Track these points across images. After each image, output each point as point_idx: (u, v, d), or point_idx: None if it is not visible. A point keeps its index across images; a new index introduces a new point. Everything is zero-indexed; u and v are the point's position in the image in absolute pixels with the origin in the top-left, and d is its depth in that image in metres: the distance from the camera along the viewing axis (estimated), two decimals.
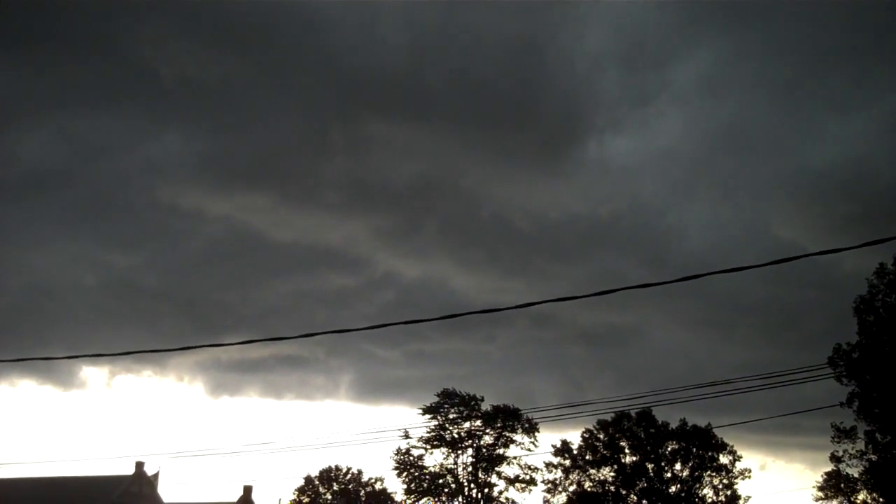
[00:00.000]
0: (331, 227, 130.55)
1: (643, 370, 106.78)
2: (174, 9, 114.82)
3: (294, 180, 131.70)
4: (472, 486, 73.64)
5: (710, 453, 72.88)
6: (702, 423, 73.49)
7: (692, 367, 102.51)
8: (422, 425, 74.23)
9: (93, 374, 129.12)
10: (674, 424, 73.83)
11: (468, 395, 74.68)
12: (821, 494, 59.48)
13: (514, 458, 73.92)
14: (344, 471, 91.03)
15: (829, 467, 58.18)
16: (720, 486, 72.71)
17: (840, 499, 58.52)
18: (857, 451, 54.32)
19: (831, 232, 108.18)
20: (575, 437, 76.55)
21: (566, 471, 75.48)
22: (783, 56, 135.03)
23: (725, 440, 73.38)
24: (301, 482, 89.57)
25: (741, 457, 73.49)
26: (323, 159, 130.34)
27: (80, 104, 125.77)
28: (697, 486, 73.09)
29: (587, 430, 75.57)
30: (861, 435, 52.89)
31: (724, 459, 73.29)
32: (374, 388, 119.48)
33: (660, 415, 73.38)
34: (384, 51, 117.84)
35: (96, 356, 21.18)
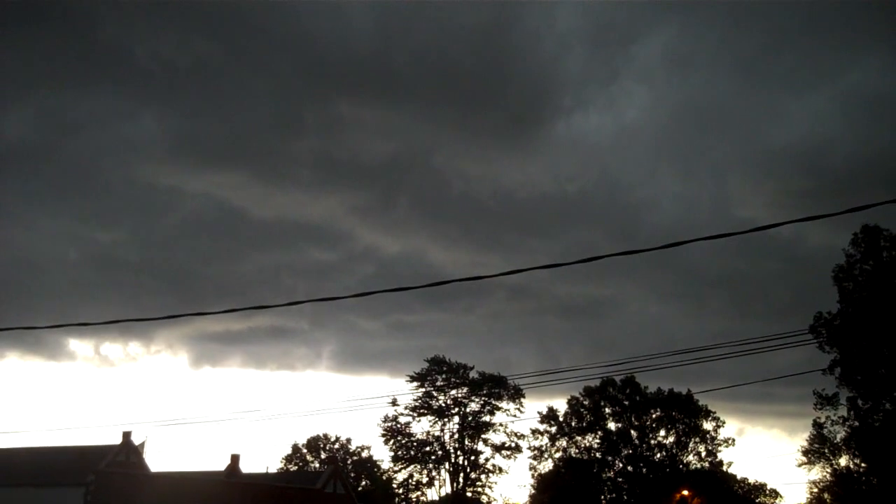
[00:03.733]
0: (307, 203, 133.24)
1: (618, 340, 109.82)
2: None
3: (268, 159, 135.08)
4: (459, 453, 74.18)
5: (693, 420, 73.68)
6: (680, 391, 74.51)
7: (666, 337, 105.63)
8: (409, 393, 74.69)
9: (79, 346, 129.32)
10: (653, 391, 74.68)
11: (456, 362, 75.10)
12: (804, 459, 60.15)
13: (501, 424, 74.51)
14: (332, 439, 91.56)
15: (806, 434, 58.88)
16: (704, 453, 73.61)
17: (823, 463, 59.20)
18: (839, 418, 54.98)
19: (787, 207, 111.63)
20: (554, 406, 77.45)
21: (552, 437, 76.14)
22: (743, 34, 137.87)
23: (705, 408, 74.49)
24: (288, 451, 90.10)
25: (724, 422, 74.48)
26: (295, 138, 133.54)
27: (57, 83, 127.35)
28: (682, 452, 73.92)
29: (573, 397, 76.24)
30: (843, 401, 53.49)
31: (707, 425, 74.17)
32: (357, 358, 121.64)
33: (640, 382, 74.40)
34: (352, 33, 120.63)
35: (82, 325, 21.17)
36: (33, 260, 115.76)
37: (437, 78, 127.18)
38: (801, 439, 60.77)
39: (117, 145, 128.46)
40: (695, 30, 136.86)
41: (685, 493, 70.70)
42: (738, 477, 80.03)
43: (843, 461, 57.68)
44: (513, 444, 74.71)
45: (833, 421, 55.76)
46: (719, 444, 74.04)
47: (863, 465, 54.92)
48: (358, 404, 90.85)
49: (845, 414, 53.80)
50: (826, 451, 58.18)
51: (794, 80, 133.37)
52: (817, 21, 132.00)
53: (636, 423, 74.51)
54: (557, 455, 75.78)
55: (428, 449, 74.32)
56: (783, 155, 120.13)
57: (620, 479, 74.68)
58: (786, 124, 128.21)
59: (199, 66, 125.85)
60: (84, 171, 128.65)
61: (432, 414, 74.61)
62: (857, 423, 52.52)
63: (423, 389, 74.62)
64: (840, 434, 56.04)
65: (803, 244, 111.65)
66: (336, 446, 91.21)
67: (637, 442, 74.09)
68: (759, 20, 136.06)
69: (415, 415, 74.90)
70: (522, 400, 74.81)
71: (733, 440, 74.55)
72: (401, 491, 75.36)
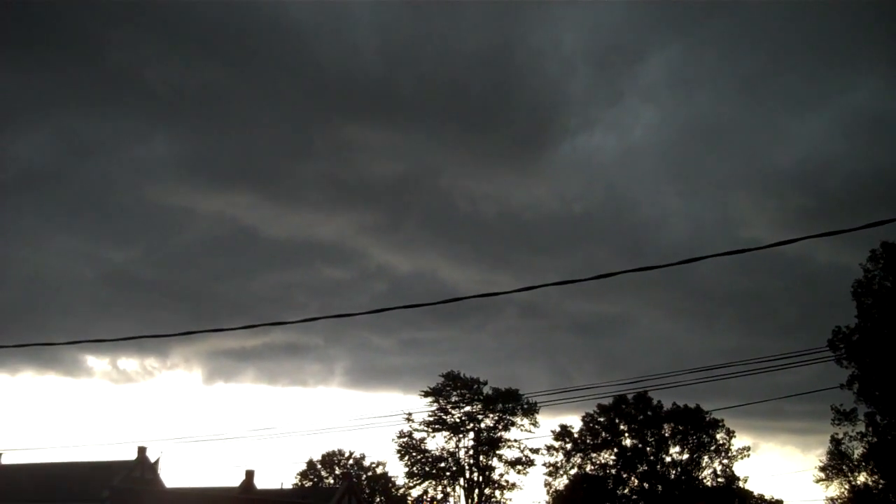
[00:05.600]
0: (318, 223, 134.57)
1: (629, 358, 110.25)
2: (158, 16, 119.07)
3: (278, 180, 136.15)
4: (473, 469, 73.94)
5: (705, 432, 73.44)
6: (691, 406, 74.43)
7: (677, 354, 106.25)
8: (424, 409, 74.56)
9: (95, 362, 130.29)
10: (667, 408, 74.58)
11: (471, 377, 74.99)
12: (822, 475, 59.71)
13: (515, 440, 74.27)
14: (346, 455, 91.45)
15: (819, 450, 58.64)
16: (718, 468, 73.26)
17: (841, 479, 58.77)
18: (857, 433, 54.63)
19: (789, 226, 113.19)
20: (565, 423, 77.46)
21: (567, 454, 75.86)
22: (745, 54, 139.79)
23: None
24: (303, 467, 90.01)
25: (734, 432, 74.18)
26: (305, 160, 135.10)
27: (72, 107, 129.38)
28: (696, 469, 73.53)
29: (587, 414, 76.00)
30: (861, 417, 53.11)
31: (719, 437, 73.89)
32: (370, 374, 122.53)
33: (653, 398, 74.42)
34: (358, 57, 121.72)
35: (97, 341, 21.29)
36: (50, 278, 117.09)
37: (442, 100, 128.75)
38: (815, 456, 60.60)
39: (130, 167, 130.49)
40: (698, 50, 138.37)
41: None
42: (755, 493, 79.51)
43: (861, 478, 57.29)
44: (526, 459, 74.41)
45: (851, 437, 55.44)
46: (734, 456, 73.73)
47: (881, 481, 54.48)
48: (371, 420, 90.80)
49: (863, 430, 53.46)
50: (844, 467, 57.78)
51: (795, 101, 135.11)
52: (818, 42, 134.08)
53: (650, 440, 74.20)
54: (573, 472, 75.53)
55: (443, 465, 74.08)
56: (785, 174, 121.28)
57: (635, 497, 74.30)
58: (788, 144, 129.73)
59: (210, 90, 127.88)
60: (98, 193, 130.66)
61: (447, 429, 74.41)
62: (875, 439, 52.16)
63: (437, 405, 74.52)
64: (858, 450, 55.72)
65: (810, 262, 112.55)
66: (350, 462, 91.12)
67: (652, 458, 73.77)
68: (761, 40, 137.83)
69: (429, 430, 74.73)
70: (536, 416, 74.61)
71: (748, 449, 74.29)
72: None
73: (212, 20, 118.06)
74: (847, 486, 58.35)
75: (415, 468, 74.42)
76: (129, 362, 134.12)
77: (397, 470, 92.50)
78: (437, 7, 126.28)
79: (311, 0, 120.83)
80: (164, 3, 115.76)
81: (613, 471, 74.51)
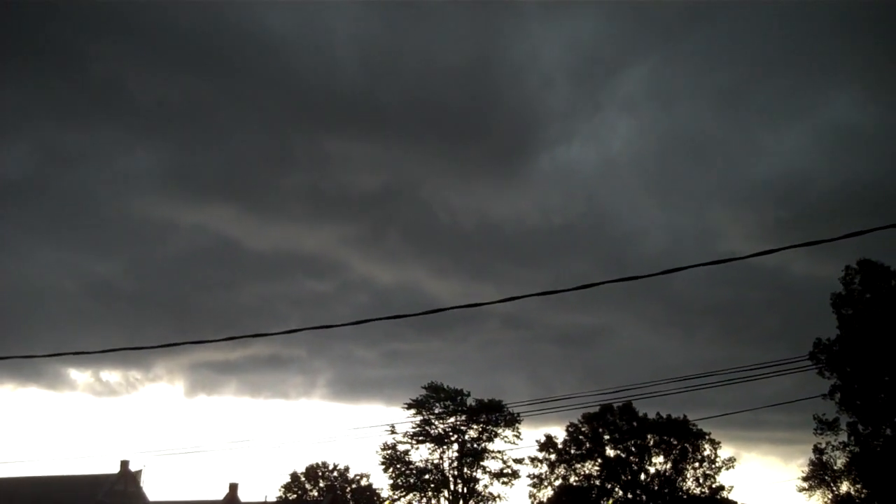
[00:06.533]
0: (300, 235, 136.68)
1: (611, 368, 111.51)
2: (140, 29, 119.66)
3: (260, 192, 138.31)
4: (458, 480, 73.86)
5: (690, 442, 73.49)
6: (676, 416, 74.59)
7: (658, 364, 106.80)
8: (407, 420, 74.50)
9: (78, 375, 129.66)
10: (651, 418, 74.66)
11: (454, 389, 74.98)
12: (805, 485, 59.90)
13: (499, 452, 74.25)
14: (330, 467, 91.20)
15: (800, 460, 59.03)
16: (701, 477, 73.27)
17: (823, 489, 58.95)
18: (839, 443, 54.90)
19: (765, 239, 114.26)
20: (550, 433, 77.42)
21: (551, 465, 75.82)
22: (722, 66, 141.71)
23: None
24: (287, 479, 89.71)
25: (720, 443, 74.28)
26: (286, 173, 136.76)
27: (53, 118, 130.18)
28: (680, 478, 73.56)
29: (571, 424, 76.01)
30: (843, 427, 53.41)
31: (706, 450, 73.96)
32: (352, 386, 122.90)
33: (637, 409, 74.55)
34: (339, 70, 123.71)
35: (80, 353, 21.20)
36: (31, 290, 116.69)
37: (422, 113, 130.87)
38: (797, 466, 60.81)
39: (112, 179, 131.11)
40: (676, 62, 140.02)
41: None
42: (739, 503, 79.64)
43: (843, 487, 57.48)
44: (510, 471, 74.37)
45: (833, 446, 55.71)
46: (719, 467, 73.81)
47: (864, 490, 54.70)
48: (355, 432, 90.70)
49: (846, 439, 53.75)
50: (827, 477, 57.99)
51: (772, 113, 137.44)
52: (794, 55, 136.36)
53: (634, 450, 74.27)
54: (557, 483, 75.47)
55: (427, 476, 73.98)
56: (762, 187, 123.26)
57: None
58: (764, 156, 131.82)
59: (191, 102, 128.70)
60: (80, 204, 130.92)
61: (431, 441, 74.36)
62: (857, 449, 52.41)
63: (421, 417, 74.46)
64: (841, 460, 55.97)
65: (787, 274, 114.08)
66: (335, 475, 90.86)
67: (636, 468, 73.81)
68: (738, 54, 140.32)
69: (413, 442, 74.67)
70: (518, 426, 74.65)
71: (733, 460, 74.38)
72: None
73: (194, 33, 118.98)
74: (830, 496, 58.54)
75: (399, 480, 74.28)
76: (111, 375, 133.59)
77: (382, 482, 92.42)
78: (416, 20, 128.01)
79: (292, 14, 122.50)
80: (146, 15, 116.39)
81: (597, 482, 74.48)
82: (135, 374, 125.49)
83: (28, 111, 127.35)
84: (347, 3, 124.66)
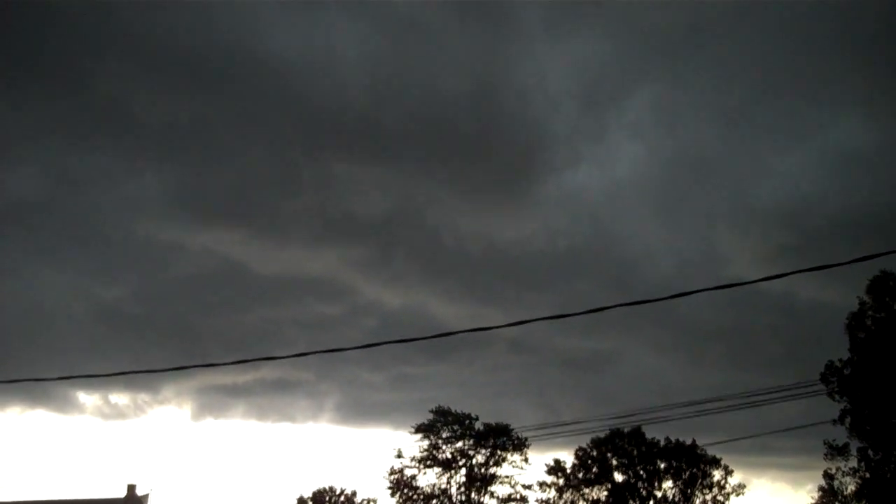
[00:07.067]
0: (307, 258, 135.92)
1: (618, 393, 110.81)
2: (147, 52, 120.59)
3: (267, 216, 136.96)
4: None
5: (700, 468, 73.02)
6: (684, 440, 74.18)
7: (665, 389, 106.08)
8: (414, 444, 74.24)
9: (87, 398, 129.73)
10: (661, 443, 74.24)
11: (461, 413, 74.68)
12: None
13: (507, 477, 73.78)
14: (338, 492, 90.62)
15: (809, 486, 58.51)
16: (710, 503, 72.68)
17: None
18: (850, 469, 54.39)
19: (770, 263, 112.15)
20: (558, 458, 76.98)
21: (560, 490, 75.30)
22: (727, 90, 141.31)
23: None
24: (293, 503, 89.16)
25: (732, 471, 73.69)
26: (293, 196, 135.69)
27: (60, 141, 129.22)
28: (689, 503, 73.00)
29: (580, 448, 75.54)
30: (854, 452, 52.94)
31: (717, 475, 73.44)
32: (359, 410, 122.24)
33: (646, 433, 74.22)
34: (345, 94, 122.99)
35: (89, 377, 21.23)
36: (39, 313, 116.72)
37: (428, 137, 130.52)
38: (806, 492, 60.15)
39: (119, 201, 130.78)
40: (681, 86, 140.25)
41: None
42: None
43: None
44: (518, 497, 73.87)
45: (844, 472, 55.22)
46: (729, 493, 73.19)
47: None
48: (362, 456, 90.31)
49: (856, 465, 53.28)
50: (837, 503, 57.46)
51: (777, 137, 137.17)
52: (798, 78, 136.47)
53: (643, 475, 73.76)
54: None
55: (434, 502, 73.52)
56: (767, 210, 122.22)
57: None
58: (770, 180, 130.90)
59: (199, 125, 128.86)
60: (87, 227, 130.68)
61: (438, 466, 73.99)
62: (868, 475, 51.96)
63: (429, 441, 74.14)
64: (851, 486, 55.45)
65: (792, 299, 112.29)
66: (342, 499, 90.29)
67: (644, 493, 73.26)
68: (743, 77, 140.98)
69: (421, 466, 74.32)
70: (527, 451, 74.26)
71: (743, 486, 73.71)
72: None
73: (201, 57, 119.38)
74: None
75: None
76: (120, 398, 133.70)
77: None
78: (422, 44, 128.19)
79: (299, 37, 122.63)
80: (153, 38, 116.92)
81: None
82: (143, 397, 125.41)
83: (36, 134, 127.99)
84: (354, 27, 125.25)
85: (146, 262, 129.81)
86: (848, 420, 50.22)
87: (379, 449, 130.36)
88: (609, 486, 74.14)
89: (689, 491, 73.04)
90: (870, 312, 50.09)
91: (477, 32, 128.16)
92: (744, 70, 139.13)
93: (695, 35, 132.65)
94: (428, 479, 74.26)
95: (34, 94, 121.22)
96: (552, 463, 76.20)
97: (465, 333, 15.97)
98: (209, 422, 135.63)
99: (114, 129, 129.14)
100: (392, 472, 74.36)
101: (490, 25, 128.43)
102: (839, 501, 57.09)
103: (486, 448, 73.96)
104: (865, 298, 50.34)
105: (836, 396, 50.06)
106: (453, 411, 74.78)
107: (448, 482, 73.91)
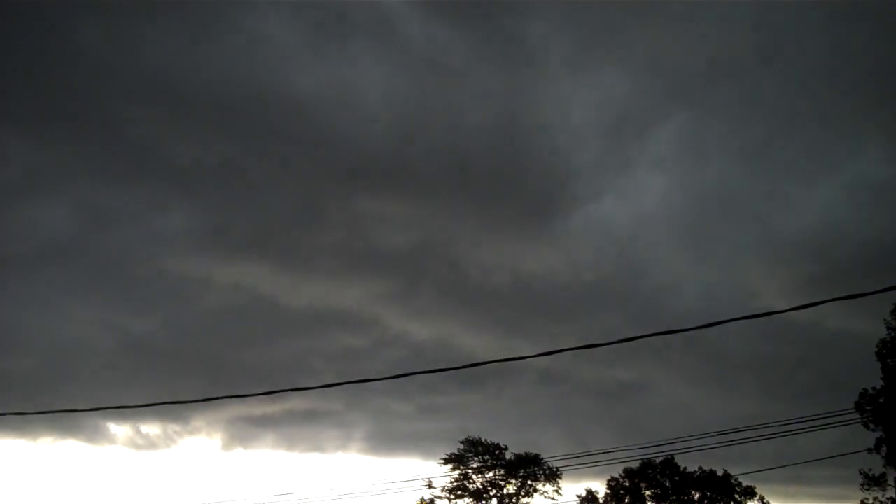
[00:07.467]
0: (334, 292, 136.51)
1: (647, 423, 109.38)
2: (174, 93, 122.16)
3: (294, 251, 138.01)
4: None
5: (734, 498, 72.16)
6: (716, 470, 73.42)
7: (695, 419, 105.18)
8: (444, 475, 73.93)
9: (118, 429, 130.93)
10: (693, 474, 73.50)
11: (491, 443, 74.37)
12: None
13: None
14: None
15: None
16: None
17: None
18: (888, 499, 53.52)
19: (798, 294, 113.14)
20: (591, 488, 76.49)
21: None
22: (751, 122, 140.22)
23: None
24: None
25: (768, 502, 72.79)
26: (319, 231, 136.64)
27: (91, 179, 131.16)
28: None
29: (613, 479, 74.97)
30: (891, 482, 52.16)
31: None
32: (388, 440, 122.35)
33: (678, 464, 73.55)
34: (369, 130, 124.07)
35: (119, 408, 21.42)
36: (71, 348, 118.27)
37: (453, 171, 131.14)
38: None
39: (148, 238, 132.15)
40: (705, 118, 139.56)
41: None
42: None
43: None
44: None
45: (881, 502, 54.35)
46: None
47: None
48: (392, 487, 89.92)
49: (893, 495, 52.44)
50: None
51: (802, 168, 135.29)
52: (823, 110, 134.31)
53: None
54: None
55: None
56: (794, 242, 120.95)
57: None
58: (795, 211, 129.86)
59: (226, 163, 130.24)
60: (117, 263, 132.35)
61: (469, 496, 73.63)
62: None
63: (458, 472, 73.81)
64: None
65: (820, 329, 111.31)
66: None
67: None
68: (767, 109, 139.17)
69: (451, 497, 73.97)
70: (559, 481, 73.73)
71: None
72: None
73: (228, 96, 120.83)
74: None
75: None
76: (151, 428, 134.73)
77: None
78: (446, 81, 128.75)
79: (324, 75, 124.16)
80: (180, 80, 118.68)
81: None
82: (174, 427, 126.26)
83: (68, 174, 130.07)
84: (378, 65, 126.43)
85: (175, 297, 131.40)
86: (884, 449, 49.51)
87: (408, 478, 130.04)
88: None
89: None
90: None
91: (501, 68, 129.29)
92: (768, 103, 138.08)
93: (718, 68, 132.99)
94: None
95: (66, 135, 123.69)
96: (584, 493, 75.89)
97: (495, 364, 15.98)
98: (239, 452, 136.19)
99: (143, 169, 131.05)
100: (422, 503, 74.11)
101: (513, 61, 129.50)
102: None
103: (516, 478, 73.53)
104: (893, 323, 49.91)
105: (871, 425, 49.41)
106: (483, 441, 74.53)
107: None
